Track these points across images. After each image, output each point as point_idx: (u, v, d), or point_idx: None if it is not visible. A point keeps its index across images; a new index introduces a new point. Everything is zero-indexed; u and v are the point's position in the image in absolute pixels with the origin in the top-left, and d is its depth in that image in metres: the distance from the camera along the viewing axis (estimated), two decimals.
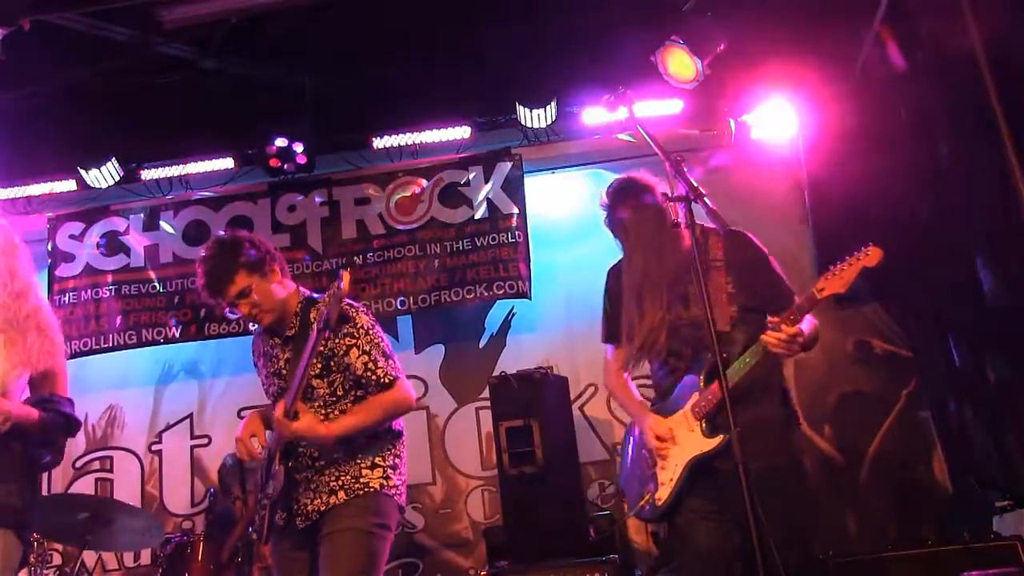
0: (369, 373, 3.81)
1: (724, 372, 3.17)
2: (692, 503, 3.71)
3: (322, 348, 3.79)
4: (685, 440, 3.72)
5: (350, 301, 3.96)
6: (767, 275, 3.83)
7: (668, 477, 3.74)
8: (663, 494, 3.74)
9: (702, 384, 3.69)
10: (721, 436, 3.58)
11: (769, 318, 3.56)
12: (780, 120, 6.71)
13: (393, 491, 3.85)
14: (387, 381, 3.82)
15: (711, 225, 3.75)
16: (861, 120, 6.09)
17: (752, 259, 3.84)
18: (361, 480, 3.79)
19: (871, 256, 3.47)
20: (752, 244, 3.88)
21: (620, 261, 4.04)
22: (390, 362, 3.87)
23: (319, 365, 3.83)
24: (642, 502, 3.85)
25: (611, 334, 4.07)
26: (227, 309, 3.89)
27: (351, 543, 3.71)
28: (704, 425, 3.67)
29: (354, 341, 3.82)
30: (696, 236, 3.63)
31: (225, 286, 3.82)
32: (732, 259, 3.79)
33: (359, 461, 3.82)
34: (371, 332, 3.87)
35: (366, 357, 3.81)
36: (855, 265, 3.48)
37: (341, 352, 3.81)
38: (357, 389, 3.87)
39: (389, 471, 3.86)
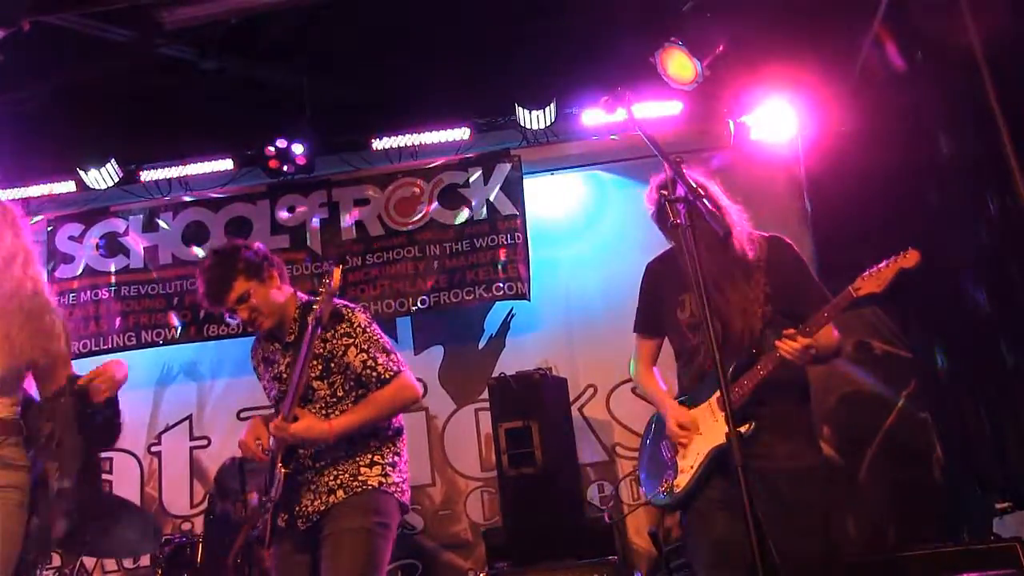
0: (369, 371, 3.84)
1: (725, 374, 3.20)
2: (711, 492, 3.73)
3: (320, 350, 3.83)
4: (708, 430, 3.75)
5: (346, 302, 4.02)
6: (803, 279, 3.88)
7: (688, 465, 3.77)
8: (682, 481, 3.77)
9: (729, 378, 3.71)
10: (745, 425, 3.61)
11: (784, 332, 3.60)
12: (779, 121, 6.71)
13: (393, 488, 3.86)
14: (387, 377, 3.85)
15: (768, 233, 3.85)
16: (860, 121, 6.11)
17: (789, 262, 3.89)
18: (359, 478, 3.81)
19: (909, 258, 3.52)
20: (790, 248, 3.95)
21: (662, 255, 4.08)
22: (391, 358, 3.90)
23: (319, 367, 3.85)
24: (660, 488, 3.87)
25: (644, 326, 4.12)
26: (227, 315, 3.92)
27: (351, 543, 3.72)
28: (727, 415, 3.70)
29: (352, 340, 3.85)
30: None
31: (225, 293, 3.86)
32: (771, 262, 3.83)
33: (358, 459, 3.84)
34: (368, 330, 3.90)
35: (365, 355, 3.84)
36: (892, 266, 3.53)
37: (340, 352, 3.84)
38: (359, 389, 3.89)
39: (388, 468, 3.87)
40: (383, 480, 3.83)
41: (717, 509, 3.69)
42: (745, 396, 3.64)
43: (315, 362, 3.83)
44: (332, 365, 3.85)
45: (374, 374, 3.83)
